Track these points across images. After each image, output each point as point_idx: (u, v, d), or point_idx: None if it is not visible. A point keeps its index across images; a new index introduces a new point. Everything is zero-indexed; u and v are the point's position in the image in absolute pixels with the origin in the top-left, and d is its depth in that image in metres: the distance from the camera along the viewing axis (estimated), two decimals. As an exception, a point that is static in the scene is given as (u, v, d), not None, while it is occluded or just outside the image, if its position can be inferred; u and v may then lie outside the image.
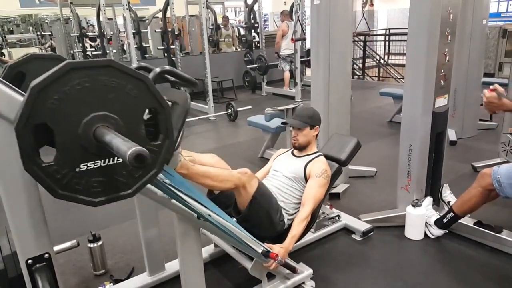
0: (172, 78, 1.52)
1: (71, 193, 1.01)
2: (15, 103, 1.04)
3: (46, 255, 1.27)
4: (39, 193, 1.23)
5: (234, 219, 1.82)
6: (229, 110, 5.86)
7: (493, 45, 7.69)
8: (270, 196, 2.03)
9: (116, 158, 1.04)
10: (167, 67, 1.46)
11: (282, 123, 2.81)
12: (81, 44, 7.85)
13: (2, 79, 1.09)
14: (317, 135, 2.31)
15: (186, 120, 1.43)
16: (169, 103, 1.26)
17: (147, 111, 1.08)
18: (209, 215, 1.52)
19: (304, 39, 6.85)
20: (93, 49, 8.12)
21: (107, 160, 1.03)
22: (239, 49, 8.94)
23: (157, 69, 1.42)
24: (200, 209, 1.48)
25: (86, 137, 0.97)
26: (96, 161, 1.02)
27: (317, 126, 2.27)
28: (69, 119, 0.95)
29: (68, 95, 0.94)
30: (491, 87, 1.99)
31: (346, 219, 2.65)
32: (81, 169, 1.00)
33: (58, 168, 0.97)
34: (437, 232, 2.46)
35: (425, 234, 2.49)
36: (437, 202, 2.61)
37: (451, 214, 2.37)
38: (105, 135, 0.93)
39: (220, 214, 1.59)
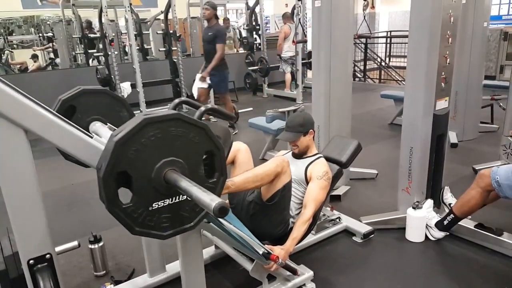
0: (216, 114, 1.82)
1: (145, 229, 1.14)
2: (93, 150, 1.24)
3: (48, 256, 1.28)
4: (41, 194, 1.24)
5: (237, 220, 1.83)
6: (232, 114, 5.85)
7: (494, 47, 7.69)
8: (290, 197, 2.08)
9: (181, 196, 1.17)
10: (210, 106, 1.72)
11: (277, 138, 2.85)
12: (83, 46, 7.87)
13: (81, 129, 1.26)
14: (313, 137, 2.32)
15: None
16: None
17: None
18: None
19: (306, 41, 6.86)
20: (95, 50, 8.14)
21: (173, 198, 1.16)
22: (240, 51, 8.95)
23: (202, 108, 1.66)
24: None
25: (157, 180, 1.10)
26: (165, 200, 1.15)
27: (311, 130, 2.28)
28: (144, 165, 1.09)
29: (144, 145, 1.08)
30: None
31: (347, 221, 2.65)
32: (153, 208, 1.13)
33: (135, 208, 1.10)
34: (438, 234, 2.46)
35: (426, 236, 2.49)
36: (438, 204, 2.61)
37: (452, 216, 2.37)
38: (178, 181, 1.05)
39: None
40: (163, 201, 1.14)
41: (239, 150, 2.21)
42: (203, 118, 1.75)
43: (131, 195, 1.10)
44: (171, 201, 1.16)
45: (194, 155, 1.16)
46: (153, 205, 1.13)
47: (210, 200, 0.93)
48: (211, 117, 5.11)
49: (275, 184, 1.93)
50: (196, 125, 1.15)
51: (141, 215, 1.11)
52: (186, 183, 1.03)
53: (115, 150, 1.03)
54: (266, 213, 1.97)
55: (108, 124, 1.64)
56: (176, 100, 1.83)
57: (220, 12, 10.51)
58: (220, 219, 1.57)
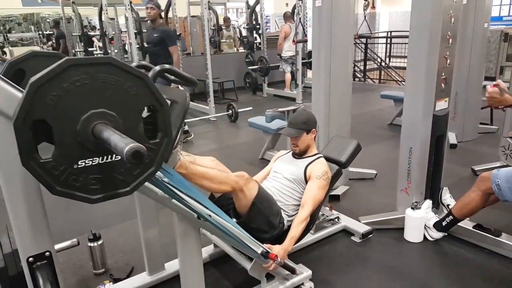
0: (172, 77, 1.52)
1: (69, 189, 1.01)
2: (14, 100, 1.04)
3: (47, 253, 1.28)
4: (41, 191, 1.24)
5: (234, 219, 1.83)
6: (230, 111, 5.87)
7: (494, 48, 7.69)
8: (270, 201, 2.03)
9: (114, 155, 1.04)
10: (167, 66, 1.46)
11: (279, 132, 2.82)
12: (82, 44, 7.87)
13: (1, 76, 1.10)
14: (315, 136, 2.31)
15: (187, 120, 1.44)
16: (169, 102, 1.27)
17: (146, 109, 1.08)
18: (209, 215, 1.52)
19: (306, 41, 6.86)
20: (94, 48, 8.14)
21: (105, 157, 1.03)
22: (240, 50, 8.96)
23: (157, 68, 1.43)
24: (200, 209, 1.48)
25: (84, 134, 0.97)
26: (94, 158, 1.02)
27: (314, 129, 2.27)
28: (67, 115, 0.96)
29: (67, 91, 0.94)
30: (494, 82, 2.00)
31: (346, 221, 2.66)
32: (79, 166, 1.00)
33: (56, 165, 0.97)
34: (436, 235, 2.47)
35: (424, 236, 2.50)
36: (437, 205, 2.62)
37: (450, 217, 2.37)
38: (103, 132, 0.93)
39: (220, 215, 1.59)
40: (91, 159, 1.01)
41: (213, 160, 2.11)
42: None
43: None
44: (102, 160, 1.03)
45: (131, 109, 1.03)
46: (79, 163, 1.00)
47: (125, 143, 0.83)
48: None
49: (242, 200, 1.87)
50: (133, 73, 1.01)
51: (63, 173, 0.98)
52: (108, 133, 0.91)
53: (30, 93, 0.90)
54: (248, 225, 1.91)
55: None
56: (157, 67, 1.48)
57: (220, 11, 10.52)
58: (217, 218, 1.56)
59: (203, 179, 1.74)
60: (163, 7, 6.74)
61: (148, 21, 4.66)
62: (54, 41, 8.75)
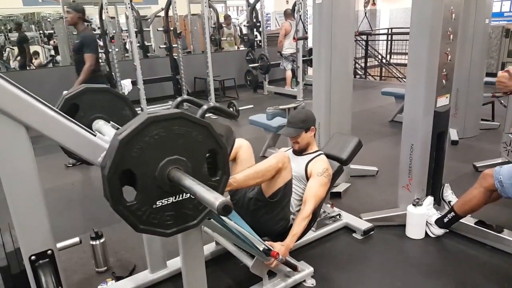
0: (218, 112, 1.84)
1: (150, 227, 1.15)
2: (96, 148, 1.24)
3: (49, 252, 1.28)
4: (42, 190, 1.24)
5: (238, 216, 1.83)
6: (231, 109, 5.87)
7: (495, 44, 7.67)
8: (290, 194, 2.08)
9: (184, 194, 1.18)
10: (212, 104, 1.75)
11: (279, 133, 2.85)
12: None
13: (85, 128, 1.26)
14: (315, 134, 2.32)
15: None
16: None
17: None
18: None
19: (306, 38, 6.85)
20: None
21: (177, 196, 1.17)
22: (241, 48, 8.95)
23: (205, 107, 1.70)
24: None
25: (161, 178, 1.11)
26: (169, 198, 1.16)
27: (313, 127, 2.28)
28: (148, 164, 1.10)
29: (147, 144, 1.09)
30: (506, 68, 2.02)
31: (347, 218, 2.66)
32: (157, 206, 1.15)
33: (139, 206, 1.12)
34: (438, 231, 2.47)
35: (426, 233, 2.50)
36: (438, 201, 2.61)
37: (452, 214, 2.37)
38: (182, 180, 1.06)
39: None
40: (167, 199, 1.15)
41: (241, 146, 2.21)
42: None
43: (135, 193, 1.11)
44: (175, 199, 1.17)
45: (197, 154, 1.17)
46: (157, 203, 1.14)
47: (214, 198, 0.94)
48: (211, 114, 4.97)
49: (276, 180, 1.93)
50: (199, 123, 1.16)
51: (145, 213, 1.13)
52: (189, 181, 1.04)
53: (120, 149, 1.04)
54: (268, 210, 1.97)
55: (111, 122, 1.65)
56: (179, 99, 1.85)
57: (220, 9, 10.50)
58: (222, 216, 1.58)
59: (248, 181, 1.88)
60: (163, 5, 6.75)
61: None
62: (55, 40, 8.76)
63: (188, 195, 1.18)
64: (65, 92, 1.68)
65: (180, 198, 1.18)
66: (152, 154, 1.10)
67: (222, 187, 1.25)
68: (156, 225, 1.16)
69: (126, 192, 1.10)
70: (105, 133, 1.48)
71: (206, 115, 1.73)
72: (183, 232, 1.24)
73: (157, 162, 1.10)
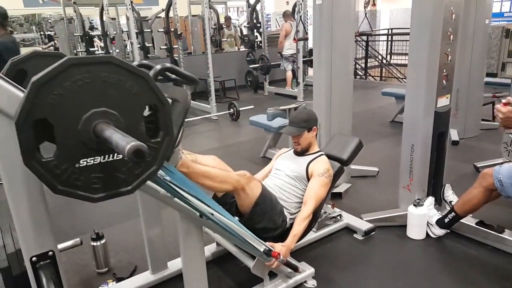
0: (173, 76, 1.52)
1: (71, 188, 1.01)
2: (16, 99, 1.05)
3: (50, 253, 1.28)
4: (43, 191, 1.24)
5: (237, 218, 1.83)
6: (231, 110, 5.87)
7: (495, 45, 7.66)
8: (273, 201, 2.03)
9: (116, 154, 1.04)
10: (168, 65, 1.45)
11: (281, 132, 2.79)
12: (84, 44, 7.88)
13: (2, 76, 1.10)
14: (316, 134, 2.31)
15: (189, 119, 1.43)
16: (170, 101, 1.27)
17: (147, 108, 1.08)
18: (212, 214, 1.52)
19: (307, 39, 6.85)
20: (95, 48, 8.15)
21: (107, 156, 1.03)
22: (241, 49, 8.95)
23: (158, 66, 1.42)
24: (202, 207, 1.49)
25: (86, 133, 0.97)
26: (96, 157, 1.02)
27: (315, 127, 2.27)
28: (69, 114, 0.96)
29: (68, 91, 0.94)
30: (503, 100, 1.89)
31: (348, 219, 2.66)
32: (80, 165, 1.00)
33: (58, 164, 0.98)
34: (439, 231, 2.47)
35: (427, 233, 2.50)
36: (439, 202, 2.61)
37: (453, 214, 2.37)
38: (105, 131, 0.93)
39: (222, 213, 1.60)
40: (93, 158, 1.01)
41: (214, 159, 2.09)
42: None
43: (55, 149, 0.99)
44: (103, 159, 1.03)
45: (132, 108, 1.03)
46: (81, 162, 1.00)
47: (126, 142, 0.82)
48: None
49: (245, 199, 1.88)
50: (134, 72, 1.01)
51: (65, 172, 0.99)
52: (110, 131, 0.92)
53: (32, 93, 0.90)
54: (253, 223, 1.92)
55: None
56: (158, 66, 1.45)
57: (221, 10, 10.51)
58: (220, 217, 1.57)
59: (205, 178, 1.74)
60: (164, 6, 6.76)
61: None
62: (56, 41, 8.77)
63: (121, 156, 1.03)
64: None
65: (111, 159, 1.04)
66: (74, 104, 0.95)
67: (164, 149, 1.11)
68: (80, 188, 1.02)
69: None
70: None
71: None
72: (114, 198, 1.09)
73: (80, 114, 0.96)
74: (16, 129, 0.91)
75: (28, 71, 1.47)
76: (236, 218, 1.81)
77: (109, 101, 0.99)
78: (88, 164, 1.01)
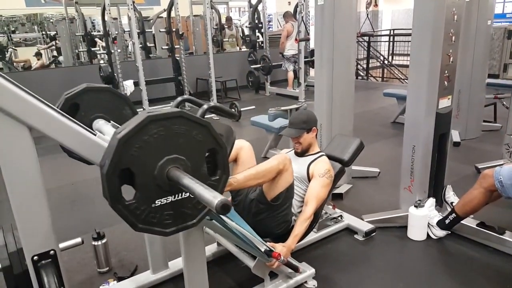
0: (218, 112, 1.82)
1: (148, 226, 1.15)
2: (97, 147, 1.24)
3: (52, 252, 1.29)
4: (45, 191, 1.25)
5: (239, 216, 1.84)
6: (233, 110, 5.87)
7: (498, 46, 7.65)
8: (292, 196, 2.08)
9: (183, 193, 1.17)
10: (212, 104, 1.72)
11: (280, 134, 2.84)
12: (85, 44, 7.89)
13: (87, 128, 1.26)
14: (316, 135, 2.32)
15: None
16: None
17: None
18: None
19: (308, 40, 6.84)
20: (97, 48, 8.15)
21: (176, 195, 1.17)
22: (243, 49, 8.95)
23: (205, 106, 1.67)
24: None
25: (161, 178, 1.11)
26: (168, 197, 1.16)
27: (314, 128, 2.28)
28: (147, 163, 1.10)
29: (147, 143, 1.08)
30: None
31: (349, 219, 2.66)
32: (156, 205, 1.14)
33: (138, 205, 1.11)
34: (440, 233, 2.46)
35: (428, 235, 2.49)
36: (440, 203, 2.61)
37: (453, 215, 2.37)
38: (181, 179, 1.05)
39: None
40: (165, 198, 1.15)
41: (242, 148, 2.21)
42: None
43: (134, 192, 1.11)
44: (174, 198, 1.16)
45: (196, 153, 1.17)
46: (156, 202, 1.13)
47: (213, 197, 0.93)
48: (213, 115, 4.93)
49: (277, 183, 1.93)
50: (199, 123, 1.15)
51: (144, 212, 1.12)
52: (188, 180, 1.03)
53: (119, 147, 1.03)
54: (269, 212, 1.97)
55: (111, 121, 1.65)
56: (179, 98, 1.84)
57: (222, 10, 10.51)
58: (222, 216, 1.58)
59: (248, 182, 1.87)
60: (166, 6, 6.75)
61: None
62: (57, 41, 8.79)
63: (187, 194, 1.18)
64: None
65: (179, 198, 1.17)
66: (152, 153, 1.09)
67: (222, 186, 1.25)
68: (155, 224, 1.15)
69: (125, 192, 1.10)
70: (105, 133, 1.48)
71: (208, 115, 1.72)
72: (182, 231, 1.23)
73: (156, 161, 1.10)
74: (106, 178, 1.04)
75: (80, 105, 1.65)
76: (238, 216, 1.81)
77: (178, 148, 1.13)
78: (162, 203, 1.15)
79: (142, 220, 1.13)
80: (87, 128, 1.26)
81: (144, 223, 1.13)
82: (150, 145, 1.09)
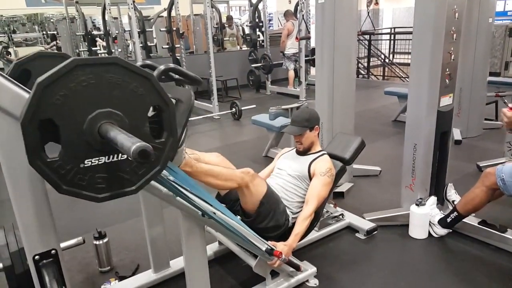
0: (177, 76, 1.51)
1: (75, 188, 1.02)
2: (20, 100, 1.05)
3: (53, 251, 1.28)
4: (46, 190, 1.25)
5: (239, 217, 1.84)
6: (234, 109, 5.87)
7: (499, 44, 7.63)
8: (277, 200, 2.04)
9: (120, 154, 1.05)
10: (172, 65, 1.45)
11: (282, 131, 2.79)
12: (86, 43, 7.89)
13: (7, 76, 1.10)
14: (318, 133, 2.31)
15: (191, 119, 1.44)
16: (173, 101, 1.27)
17: (151, 108, 1.09)
18: (214, 213, 1.53)
19: (309, 38, 6.84)
20: (97, 48, 8.16)
21: (111, 156, 1.04)
22: (243, 48, 8.95)
23: (162, 67, 1.41)
24: (204, 206, 1.49)
25: (91, 133, 0.98)
26: (101, 157, 1.03)
27: (317, 126, 2.27)
28: (74, 115, 0.97)
29: (73, 91, 0.95)
30: (510, 105, 1.98)
31: (350, 218, 2.66)
32: (85, 165, 1.01)
33: (63, 164, 0.98)
34: (441, 231, 2.46)
35: (429, 233, 2.49)
36: (442, 201, 2.61)
37: (455, 213, 2.37)
38: (110, 131, 0.94)
39: (225, 212, 1.60)
40: (98, 158, 1.02)
41: (217, 156, 2.11)
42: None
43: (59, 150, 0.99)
44: (108, 159, 1.04)
45: (137, 109, 1.04)
46: (85, 162, 1.01)
47: (131, 143, 0.83)
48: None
49: (250, 198, 1.88)
50: (139, 73, 1.02)
51: (70, 172, 1.00)
52: (115, 132, 0.92)
53: (37, 93, 0.91)
54: (255, 224, 1.92)
55: None
56: (161, 66, 1.43)
57: (223, 9, 10.51)
58: (222, 216, 1.57)
59: (209, 176, 1.75)
60: (166, 6, 6.76)
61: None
62: (58, 40, 8.79)
63: (125, 156, 1.05)
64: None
65: (115, 159, 1.05)
66: (80, 104, 0.96)
67: (168, 150, 1.12)
68: (84, 188, 1.03)
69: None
70: None
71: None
72: (118, 198, 1.10)
73: (85, 114, 0.97)
74: (22, 129, 0.92)
75: (32, 72, 1.47)
76: (238, 217, 1.81)
77: (114, 101, 1.00)
78: (92, 164, 1.02)
79: (68, 181, 1.00)
80: (23, 86, 1.12)
81: (71, 185, 1.01)
82: (78, 94, 0.95)
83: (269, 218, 1.96)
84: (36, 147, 0.95)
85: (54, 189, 1.01)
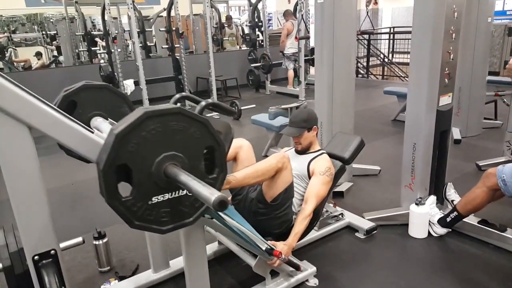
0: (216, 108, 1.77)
1: (145, 223, 1.15)
2: (94, 145, 1.22)
3: (53, 252, 1.29)
4: (45, 190, 1.25)
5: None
6: (232, 108, 5.86)
7: (498, 43, 7.64)
8: (292, 196, 2.08)
9: (181, 190, 1.17)
10: (211, 100, 1.69)
11: (281, 132, 2.83)
12: (86, 43, 7.88)
13: (84, 125, 1.24)
14: (317, 133, 2.31)
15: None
16: None
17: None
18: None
19: (308, 38, 6.83)
20: (97, 48, 8.15)
21: (173, 193, 1.17)
22: (243, 48, 8.95)
23: (203, 103, 1.65)
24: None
25: (158, 174, 1.11)
26: (165, 194, 1.15)
27: (315, 126, 2.27)
28: (144, 159, 1.09)
29: (144, 139, 1.08)
30: None
31: (350, 217, 2.66)
32: (153, 202, 1.14)
33: (134, 202, 1.11)
34: (441, 230, 2.46)
35: (429, 232, 2.49)
36: (441, 200, 2.61)
37: (455, 213, 2.37)
38: (178, 176, 1.05)
39: (226, 211, 1.60)
40: (163, 195, 1.14)
41: (241, 146, 2.20)
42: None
43: (131, 189, 1.10)
44: (171, 195, 1.16)
45: (194, 150, 1.17)
46: (153, 199, 1.13)
47: (210, 194, 0.93)
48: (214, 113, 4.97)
49: (276, 183, 1.91)
50: (197, 119, 1.15)
51: (140, 208, 1.12)
52: (185, 177, 1.03)
53: (115, 143, 1.03)
54: (269, 212, 1.96)
55: (109, 119, 1.64)
56: (177, 95, 1.77)
57: (222, 9, 10.50)
58: (223, 215, 1.58)
59: (246, 180, 1.85)
60: (165, 6, 6.75)
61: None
62: (57, 40, 8.78)
63: (185, 192, 1.17)
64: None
65: (176, 195, 1.17)
66: (149, 149, 1.09)
67: (219, 184, 1.24)
68: (152, 222, 1.15)
69: (123, 189, 1.09)
70: (103, 130, 1.47)
71: (209, 114, 1.69)
72: (182, 229, 1.23)
73: (153, 158, 1.10)
74: (102, 174, 1.04)
75: (78, 102, 1.64)
76: (241, 216, 1.81)
77: (176, 145, 1.13)
78: (158, 201, 1.15)
79: (139, 217, 1.12)
80: (84, 126, 1.25)
81: (140, 220, 1.13)
82: (148, 141, 1.08)
83: (284, 208, 1.99)
84: (113, 188, 1.07)
85: (126, 223, 1.12)
